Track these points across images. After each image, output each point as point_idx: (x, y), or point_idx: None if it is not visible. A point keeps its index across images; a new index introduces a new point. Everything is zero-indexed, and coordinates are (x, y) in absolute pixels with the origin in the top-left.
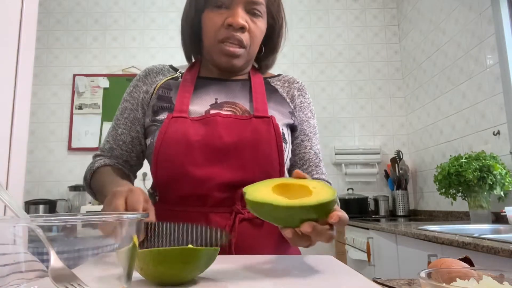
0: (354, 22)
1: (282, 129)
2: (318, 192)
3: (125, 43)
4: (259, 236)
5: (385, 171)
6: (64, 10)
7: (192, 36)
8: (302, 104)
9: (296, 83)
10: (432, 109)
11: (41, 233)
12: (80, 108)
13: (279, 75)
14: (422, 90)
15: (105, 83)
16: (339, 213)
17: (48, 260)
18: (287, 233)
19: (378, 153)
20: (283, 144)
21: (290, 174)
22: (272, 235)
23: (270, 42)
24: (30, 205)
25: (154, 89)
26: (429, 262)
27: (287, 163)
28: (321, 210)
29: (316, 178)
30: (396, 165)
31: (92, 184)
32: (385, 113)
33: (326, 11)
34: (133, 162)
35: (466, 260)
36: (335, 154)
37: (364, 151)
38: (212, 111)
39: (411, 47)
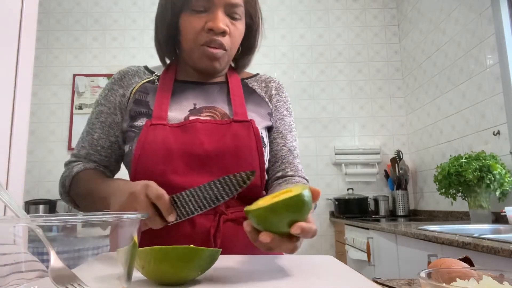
0: (354, 22)
1: (261, 132)
2: (285, 194)
3: (125, 43)
4: (244, 235)
5: (385, 171)
6: (64, 10)
7: (168, 39)
8: (278, 103)
9: (273, 82)
10: (432, 109)
11: (41, 233)
12: (80, 108)
13: (256, 75)
14: (422, 90)
15: (105, 83)
16: (303, 224)
17: (48, 260)
18: (264, 239)
19: (378, 153)
20: (263, 148)
21: (267, 175)
22: None
23: (247, 42)
24: (30, 205)
25: (131, 92)
26: (429, 262)
27: (266, 165)
28: (282, 210)
29: (291, 176)
30: (396, 165)
31: (72, 191)
32: (385, 113)
33: (326, 11)
34: (112, 167)
35: (466, 260)
36: (335, 154)
37: (364, 151)
38: (191, 117)
39: (411, 47)
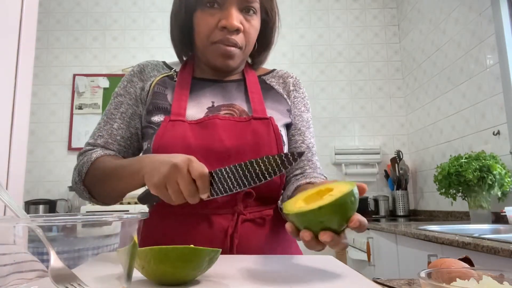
0: (354, 22)
1: (280, 130)
2: (334, 192)
3: (125, 43)
4: (262, 236)
5: (385, 171)
6: (64, 10)
7: (182, 36)
8: (295, 99)
9: (290, 78)
10: (432, 109)
11: (41, 233)
12: (80, 108)
13: (273, 70)
14: (422, 90)
15: (105, 83)
16: (359, 218)
17: (48, 260)
18: (306, 236)
19: (378, 153)
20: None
21: (285, 172)
22: (274, 235)
23: (264, 38)
24: (30, 205)
25: (150, 86)
26: (429, 262)
27: None
28: (336, 210)
29: (310, 173)
30: (396, 165)
31: (89, 179)
32: (385, 113)
33: (326, 11)
34: None
35: (466, 260)
36: (335, 154)
37: (364, 151)
38: (210, 115)
39: (411, 47)
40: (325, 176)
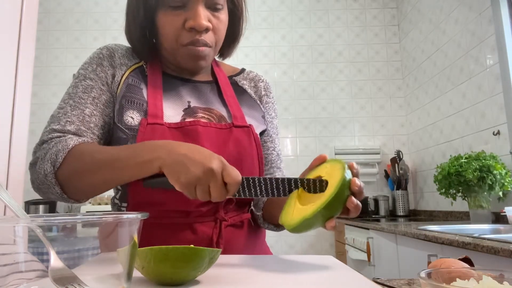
0: (354, 22)
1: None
2: (328, 187)
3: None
4: (241, 238)
5: (385, 171)
6: (64, 10)
7: (141, 37)
8: (267, 105)
9: (261, 82)
10: (432, 109)
11: (41, 233)
12: None
13: (242, 70)
14: (422, 90)
15: None
16: (355, 202)
17: (48, 260)
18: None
19: (378, 153)
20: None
21: None
22: (251, 236)
23: (232, 29)
24: (30, 205)
25: (122, 76)
26: (429, 262)
27: None
28: (338, 200)
29: None
30: (396, 165)
31: (64, 170)
32: (385, 113)
33: (326, 11)
34: None
35: (466, 260)
36: (335, 154)
37: (364, 151)
38: (188, 119)
39: (411, 47)
40: None
